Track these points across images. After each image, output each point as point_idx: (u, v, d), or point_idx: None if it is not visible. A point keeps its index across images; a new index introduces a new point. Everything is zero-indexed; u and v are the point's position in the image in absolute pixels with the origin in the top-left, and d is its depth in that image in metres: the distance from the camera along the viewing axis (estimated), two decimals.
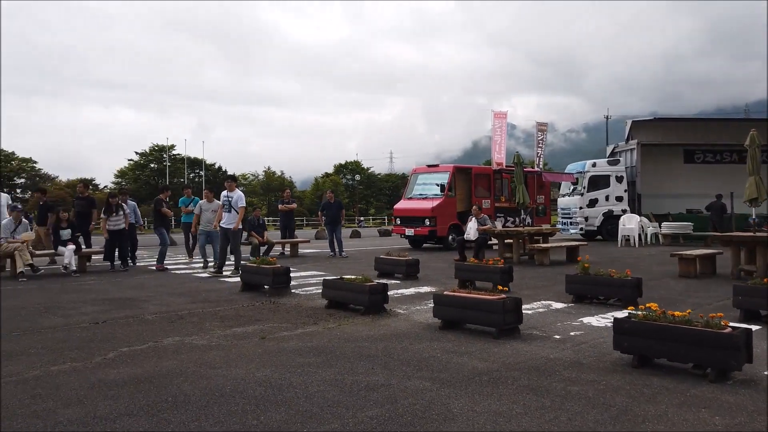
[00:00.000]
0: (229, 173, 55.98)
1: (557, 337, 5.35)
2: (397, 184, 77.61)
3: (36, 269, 10.34)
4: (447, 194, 16.30)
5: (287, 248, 15.25)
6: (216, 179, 54.19)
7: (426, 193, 16.83)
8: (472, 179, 17.11)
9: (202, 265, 11.74)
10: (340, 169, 75.27)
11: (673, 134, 21.23)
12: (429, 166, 17.88)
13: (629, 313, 4.50)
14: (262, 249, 14.05)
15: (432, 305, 7.11)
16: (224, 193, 10.64)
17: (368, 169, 76.90)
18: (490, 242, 13.05)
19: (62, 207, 11.66)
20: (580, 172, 20.34)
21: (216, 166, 60.22)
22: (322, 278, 9.98)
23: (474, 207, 13.23)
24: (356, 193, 69.46)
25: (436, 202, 16.08)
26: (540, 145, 19.31)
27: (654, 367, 4.29)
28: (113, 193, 11.89)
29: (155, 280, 10.04)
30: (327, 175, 72.66)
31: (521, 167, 16.20)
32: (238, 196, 10.56)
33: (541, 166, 19.08)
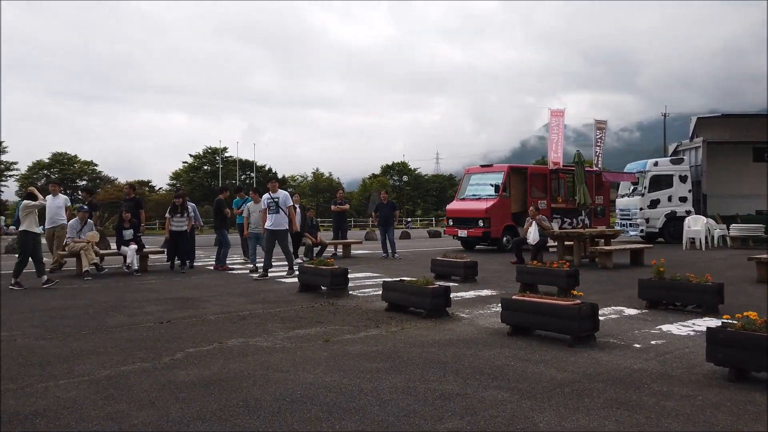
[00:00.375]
0: (274, 174, 56.81)
1: (637, 346, 5.02)
2: (443, 185, 77.03)
3: (100, 268, 10.62)
4: (501, 195, 15.92)
5: (340, 249, 15.22)
6: (266, 181, 55.13)
7: (479, 193, 16.49)
8: (528, 179, 16.67)
9: (250, 268, 11.47)
10: (387, 170, 75.30)
11: (742, 131, 20.10)
12: (482, 166, 17.53)
13: (723, 322, 4.15)
14: (315, 249, 14.08)
15: (496, 309, 6.91)
16: (266, 195, 10.40)
17: (415, 170, 76.68)
18: (548, 244, 12.62)
19: (125, 207, 11.94)
20: (641, 172, 19.52)
21: (266, 168, 61.27)
22: (378, 280, 9.93)
23: (531, 208, 12.84)
24: (403, 194, 69.25)
25: (490, 203, 15.74)
26: (598, 143, 18.63)
27: (753, 381, 3.93)
28: (179, 194, 11.89)
29: (214, 280, 10.14)
30: (374, 176, 72.81)
31: (582, 166, 15.64)
32: (285, 195, 10.37)
33: (599, 166, 18.41)
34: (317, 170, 69.28)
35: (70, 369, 4.34)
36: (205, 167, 60.02)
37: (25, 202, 9.14)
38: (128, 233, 11.18)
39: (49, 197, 11.42)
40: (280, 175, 58.88)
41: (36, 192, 9.17)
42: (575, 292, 5.37)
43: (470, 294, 8.14)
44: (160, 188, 62.52)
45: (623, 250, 12.36)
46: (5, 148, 49.57)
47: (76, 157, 57.23)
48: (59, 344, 5.17)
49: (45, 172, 52.91)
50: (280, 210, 10.18)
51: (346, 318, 6.43)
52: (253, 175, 57.51)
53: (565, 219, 17.08)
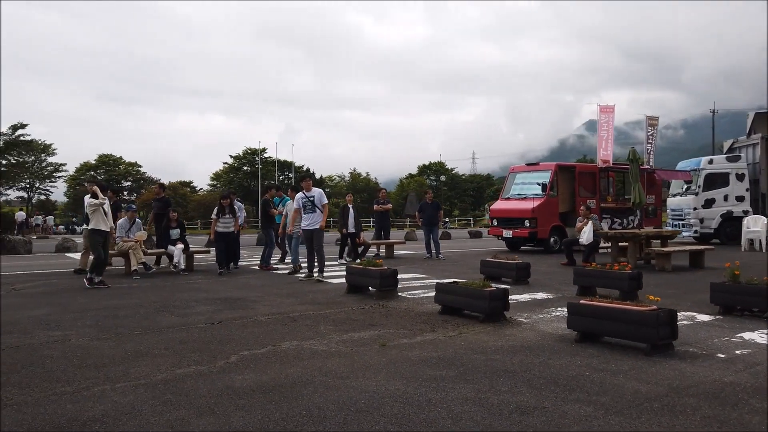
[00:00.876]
0: (307, 172, 57.02)
1: (721, 356, 4.63)
2: (481, 185, 76.18)
3: (148, 267, 10.69)
4: (549, 194, 15.44)
5: (382, 249, 15.02)
6: (300, 180, 55.47)
7: (525, 192, 16.05)
8: (576, 178, 16.13)
9: (291, 269, 11.19)
10: (424, 170, 74.90)
11: None
12: (528, 164, 17.06)
13: None
14: (359, 249, 13.93)
15: (557, 314, 6.58)
16: (300, 195, 10.00)
17: (452, 169, 76.05)
18: (601, 245, 12.14)
19: (154, 207, 12.01)
20: (695, 170, 18.69)
21: (304, 168, 61.70)
22: (425, 281, 9.69)
23: (582, 207, 12.38)
24: (440, 195, 68.76)
25: (536, 203, 15.28)
26: (650, 140, 17.90)
27: None
28: (225, 194, 11.54)
29: (260, 280, 10.07)
30: (411, 176, 72.51)
31: (637, 164, 15.03)
32: (320, 194, 9.96)
33: (651, 164, 17.69)
34: (354, 170, 69.44)
35: (126, 371, 4.23)
36: (245, 168, 60.84)
37: (89, 200, 9.21)
38: (175, 233, 11.22)
39: (87, 197, 11.41)
40: (317, 176, 59.10)
41: (97, 191, 9.19)
42: (651, 297, 5.00)
43: (525, 297, 7.80)
44: (200, 189, 63.73)
45: (681, 252, 11.77)
46: (54, 150, 51.24)
47: (121, 158, 58.83)
48: (114, 345, 5.09)
49: (92, 173, 54.49)
50: (316, 209, 9.83)
51: (400, 321, 6.20)
52: (291, 175, 57.98)
53: (615, 219, 16.47)
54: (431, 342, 5.18)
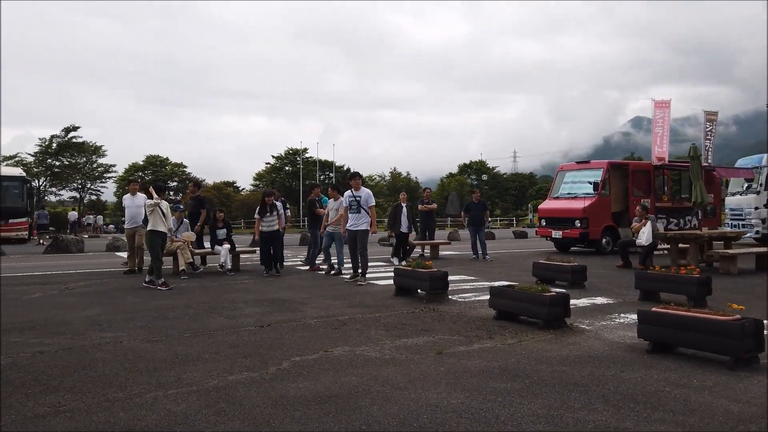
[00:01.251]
0: (356, 172, 57.00)
1: None
2: (523, 184, 74.79)
3: (195, 267, 10.73)
4: (600, 193, 14.86)
5: (427, 250, 14.75)
6: (345, 180, 55.68)
7: (575, 192, 15.49)
8: (629, 176, 15.47)
9: (326, 270, 10.92)
10: (465, 169, 74.09)
11: None
12: (578, 162, 16.49)
13: None
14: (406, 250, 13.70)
15: (621, 321, 6.20)
16: (348, 193, 9.70)
17: (493, 168, 74.98)
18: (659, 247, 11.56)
19: (218, 207, 12.03)
20: (756, 167, 17.70)
21: (345, 168, 61.87)
22: (475, 284, 9.37)
23: (638, 207, 11.81)
24: (482, 194, 67.81)
25: (588, 202, 14.72)
26: (708, 137, 17.03)
27: None
28: (268, 192, 11.26)
29: (306, 281, 9.95)
30: (451, 175, 71.83)
31: (699, 161, 14.29)
32: (367, 194, 9.64)
33: (710, 161, 16.84)
34: (395, 170, 69.26)
35: (178, 377, 4.12)
36: (287, 168, 61.44)
37: (146, 201, 9.28)
38: (221, 232, 11.24)
39: (127, 196, 11.43)
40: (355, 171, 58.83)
41: (152, 191, 9.22)
42: (734, 306, 4.59)
43: (583, 302, 7.41)
44: (243, 189, 64.72)
45: (748, 255, 11.08)
46: (104, 151, 52.88)
47: (167, 159, 60.24)
48: (164, 348, 5.01)
49: (140, 174, 56.01)
50: (362, 209, 9.47)
51: (453, 326, 5.94)
52: (332, 175, 58.24)
53: (671, 219, 15.73)
54: (490, 350, 4.91)
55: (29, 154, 46.62)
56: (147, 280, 9.08)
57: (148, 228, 9.04)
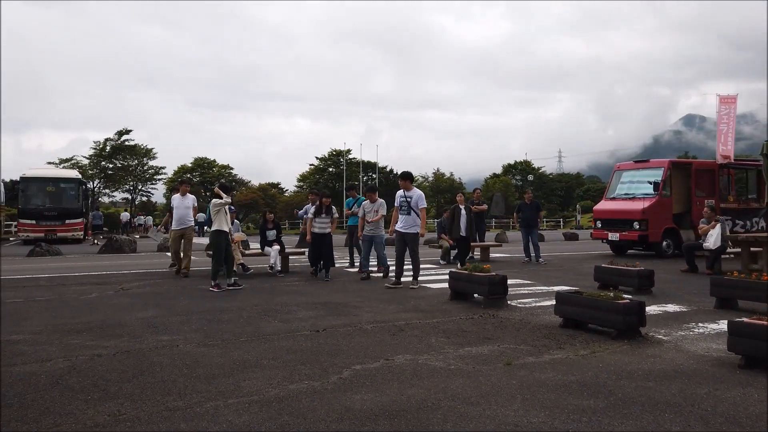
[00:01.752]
0: (407, 172, 56.66)
1: None
2: (570, 185, 73.06)
3: (246, 269, 10.69)
4: (661, 193, 14.15)
5: (477, 252, 14.37)
6: (387, 182, 55.53)
7: (634, 192, 14.82)
8: (692, 176, 14.70)
9: (364, 275, 10.35)
10: (509, 169, 72.91)
11: None
12: (636, 161, 15.79)
13: None
14: (453, 252, 13.37)
15: (700, 331, 5.75)
16: (400, 192, 9.27)
17: (539, 168, 73.52)
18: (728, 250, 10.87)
19: (267, 209, 11.99)
20: None
21: (387, 169, 61.79)
22: (532, 288, 8.98)
23: (706, 208, 11.15)
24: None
25: (647, 203, 14.04)
26: None
27: None
28: (327, 193, 10.84)
29: (356, 283, 9.75)
30: (495, 175, 70.78)
31: None
32: (418, 195, 9.19)
33: None
34: (438, 170, 68.72)
35: (237, 385, 3.96)
36: (330, 169, 61.79)
37: (213, 200, 9.23)
38: (271, 234, 11.18)
39: (176, 197, 11.08)
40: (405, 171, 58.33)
41: (220, 191, 9.18)
42: None
43: (654, 309, 6.94)
44: (287, 190, 65.49)
45: None
46: (155, 154, 54.34)
47: (214, 161, 61.52)
48: (221, 353, 4.88)
49: (188, 175, 57.33)
50: (412, 211, 9.05)
51: (517, 334, 5.61)
52: (375, 176, 58.23)
53: (737, 221, 14.86)
54: (562, 362, 4.57)
55: (84, 156, 48.29)
56: (231, 282, 8.94)
57: (214, 228, 9.00)
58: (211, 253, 9.55)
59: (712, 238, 10.01)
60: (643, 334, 5.46)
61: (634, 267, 8.28)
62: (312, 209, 10.57)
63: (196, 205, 11.40)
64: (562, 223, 52.37)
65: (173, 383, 4.00)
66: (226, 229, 8.97)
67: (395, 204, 9.42)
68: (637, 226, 14.06)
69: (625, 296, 5.70)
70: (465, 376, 4.19)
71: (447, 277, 9.02)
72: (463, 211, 12.16)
